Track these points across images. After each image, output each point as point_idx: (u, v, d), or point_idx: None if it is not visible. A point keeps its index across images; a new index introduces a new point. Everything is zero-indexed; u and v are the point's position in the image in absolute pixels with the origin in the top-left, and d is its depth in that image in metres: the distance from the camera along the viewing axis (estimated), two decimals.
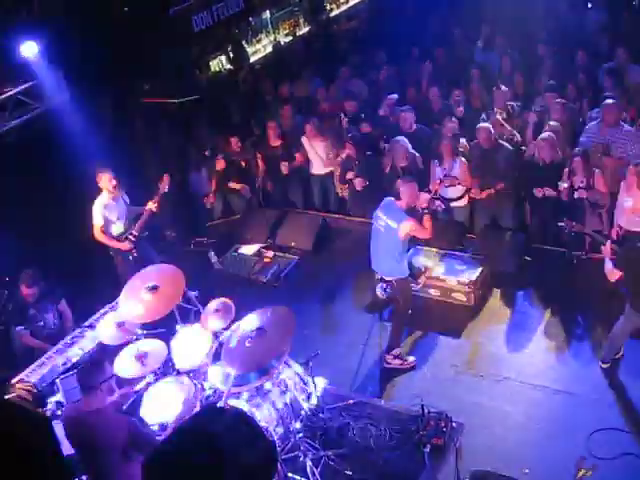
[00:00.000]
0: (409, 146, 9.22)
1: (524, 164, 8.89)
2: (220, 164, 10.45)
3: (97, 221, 8.49)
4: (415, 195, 7.26)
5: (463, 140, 9.34)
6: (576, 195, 8.10)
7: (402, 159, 9.10)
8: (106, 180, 8.39)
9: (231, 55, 13.87)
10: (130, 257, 8.64)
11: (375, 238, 7.45)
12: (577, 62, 10.74)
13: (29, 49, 7.88)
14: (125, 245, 8.61)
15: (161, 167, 9.85)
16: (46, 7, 8.18)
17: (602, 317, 7.57)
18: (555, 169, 8.33)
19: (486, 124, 8.99)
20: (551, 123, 8.84)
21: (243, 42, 14.23)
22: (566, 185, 8.12)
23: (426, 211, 7.24)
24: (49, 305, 7.77)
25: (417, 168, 9.15)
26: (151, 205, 8.65)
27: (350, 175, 9.70)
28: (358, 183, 9.65)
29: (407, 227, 7.08)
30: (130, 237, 8.63)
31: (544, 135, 8.47)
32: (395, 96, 10.49)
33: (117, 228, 8.63)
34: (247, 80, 12.92)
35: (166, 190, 8.79)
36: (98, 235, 8.56)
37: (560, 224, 7.42)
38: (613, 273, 6.55)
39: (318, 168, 10.44)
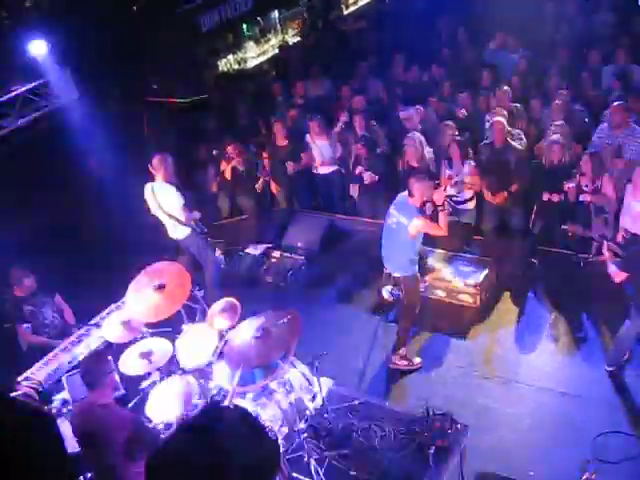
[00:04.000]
0: (424, 142, 9.18)
1: (531, 167, 8.85)
2: (223, 165, 10.47)
3: (178, 200, 8.30)
4: (428, 192, 7.16)
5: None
6: (581, 198, 8.06)
7: (415, 157, 9.01)
8: (164, 169, 8.27)
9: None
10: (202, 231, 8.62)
11: (387, 235, 7.41)
12: (585, 63, 10.74)
13: (38, 48, 7.90)
14: (196, 215, 8.54)
15: None
16: (55, 6, 8.20)
17: (609, 319, 7.55)
18: (562, 171, 8.29)
19: (500, 117, 8.84)
20: (557, 123, 8.81)
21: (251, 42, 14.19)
22: (572, 185, 8.08)
23: (441, 208, 7.17)
24: (44, 299, 7.75)
25: (429, 169, 9.05)
26: None
27: (359, 170, 9.64)
28: (367, 178, 9.57)
29: (417, 225, 7.03)
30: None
31: (554, 138, 8.40)
32: (412, 113, 10.17)
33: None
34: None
35: None
36: (181, 214, 8.36)
37: (564, 227, 7.41)
38: (618, 275, 6.51)
39: (322, 167, 10.39)
